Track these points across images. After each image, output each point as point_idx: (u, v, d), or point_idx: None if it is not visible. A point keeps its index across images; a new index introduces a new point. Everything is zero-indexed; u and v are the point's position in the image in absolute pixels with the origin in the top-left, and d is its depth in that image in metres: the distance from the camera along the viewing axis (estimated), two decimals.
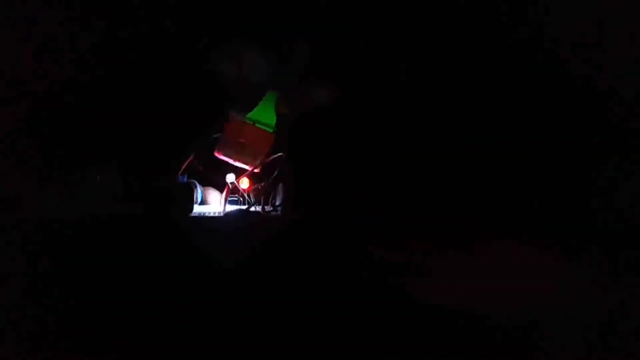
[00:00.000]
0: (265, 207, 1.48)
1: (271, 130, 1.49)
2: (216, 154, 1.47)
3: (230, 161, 1.48)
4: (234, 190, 1.50)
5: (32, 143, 1.36)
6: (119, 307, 0.99)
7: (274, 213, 1.47)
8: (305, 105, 1.49)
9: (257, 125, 1.49)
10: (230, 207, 1.49)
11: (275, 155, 1.48)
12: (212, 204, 1.55)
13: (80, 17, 1.36)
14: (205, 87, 1.48)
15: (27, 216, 1.25)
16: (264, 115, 1.48)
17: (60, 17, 1.34)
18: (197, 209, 1.47)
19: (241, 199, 1.51)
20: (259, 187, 1.51)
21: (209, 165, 1.51)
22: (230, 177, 1.50)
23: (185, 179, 1.49)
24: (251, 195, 1.51)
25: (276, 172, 1.47)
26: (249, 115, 1.47)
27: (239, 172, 1.49)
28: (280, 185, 1.49)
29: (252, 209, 1.47)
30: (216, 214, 1.45)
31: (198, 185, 1.50)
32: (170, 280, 1.07)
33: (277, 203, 1.49)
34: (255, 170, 1.49)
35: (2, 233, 1.16)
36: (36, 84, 1.37)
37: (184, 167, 1.48)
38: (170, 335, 0.92)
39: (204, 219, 1.42)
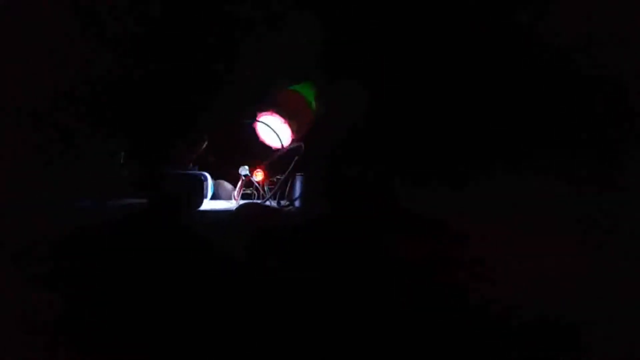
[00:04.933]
0: (281, 201, 1.33)
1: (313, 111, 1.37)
2: (259, 116, 1.34)
3: (269, 129, 1.33)
4: (248, 183, 1.36)
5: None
6: (118, 311, 0.84)
7: (290, 208, 1.32)
8: (334, 109, 1.35)
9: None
10: (244, 202, 1.35)
11: (294, 145, 1.32)
12: (224, 198, 1.41)
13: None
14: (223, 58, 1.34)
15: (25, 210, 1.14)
16: (308, 93, 1.36)
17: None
18: (207, 205, 1.33)
19: (255, 192, 1.37)
20: (275, 180, 1.35)
21: (222, 155, 1.38)
22: (243, 170, 1.36)
23: (195, 170, 1.36)
24: (266, 188, 1.36)
25: (294, 162, 1.31)
26: (297, 86, 1.36)
27: (253, 164, 1.35)
28: (298, 176, 1.33)
29: (267, 203, 1.32)
30: (228, 210, 1.31)
31: (209, 178, 1.37)
32: (176, 282, 0.92)
33: (295, 197, 1.33)
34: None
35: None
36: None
37: (194, 155, 1.35)
38: (174, 341, 0.77)
39: (213, 214, 1.28)
